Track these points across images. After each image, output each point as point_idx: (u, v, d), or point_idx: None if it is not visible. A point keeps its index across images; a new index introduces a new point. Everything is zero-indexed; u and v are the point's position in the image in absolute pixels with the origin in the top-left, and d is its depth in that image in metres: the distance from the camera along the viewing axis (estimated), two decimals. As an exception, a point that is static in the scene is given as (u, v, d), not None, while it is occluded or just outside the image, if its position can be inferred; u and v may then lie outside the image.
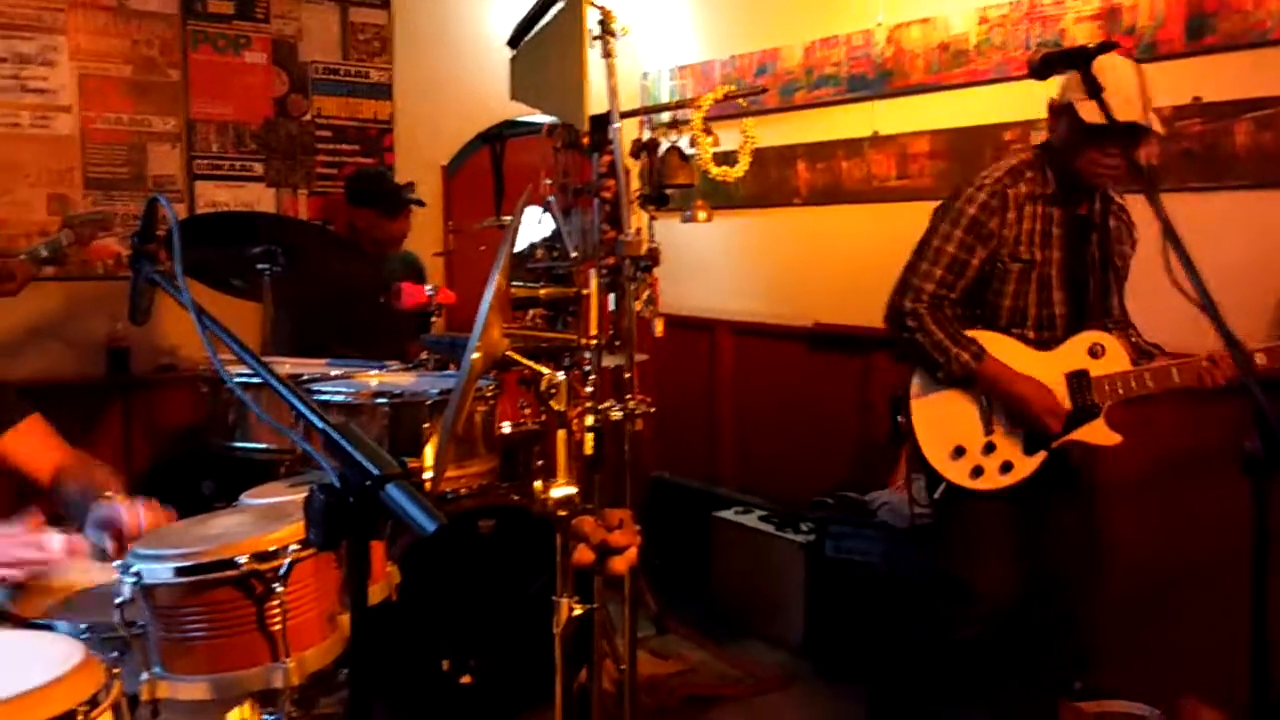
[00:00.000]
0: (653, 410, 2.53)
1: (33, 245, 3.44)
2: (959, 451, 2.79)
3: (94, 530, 1.94)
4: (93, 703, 1.40)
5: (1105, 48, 2.15)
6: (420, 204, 4.15)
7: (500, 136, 4.68)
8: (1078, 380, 2.77)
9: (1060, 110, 2.71)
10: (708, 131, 2.72)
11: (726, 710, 3.49)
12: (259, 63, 4.45)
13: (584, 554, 2.16)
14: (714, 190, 3.60)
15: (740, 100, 2.88)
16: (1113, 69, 2.45)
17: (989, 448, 2.79)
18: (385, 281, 3.53)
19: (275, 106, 4.50)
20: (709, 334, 5.04)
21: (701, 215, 2.95)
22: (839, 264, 4.42)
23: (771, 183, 4.68)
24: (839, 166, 4.41)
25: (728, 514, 4.36)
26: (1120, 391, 2.74)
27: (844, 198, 4.35)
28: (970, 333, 2.78)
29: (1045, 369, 2.77)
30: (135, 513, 1.91)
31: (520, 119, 4.73)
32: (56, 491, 2.13)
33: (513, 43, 2.70)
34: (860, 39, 4.26)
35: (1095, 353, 2.78)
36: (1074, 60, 2.20)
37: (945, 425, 2.80)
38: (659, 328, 2.86)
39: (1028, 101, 3.52)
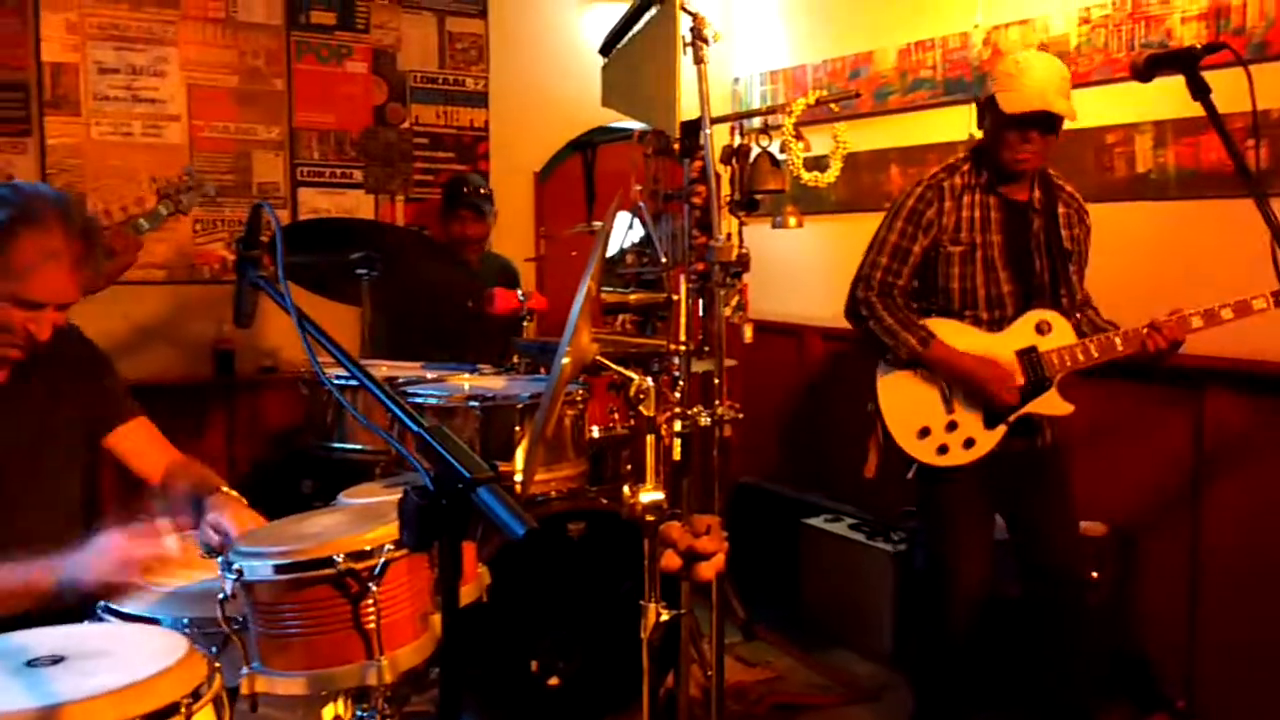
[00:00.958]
0: (741, 416, 2.53)
1: (130, 218, 3.34)
2: (924, 432, 2.95)
3: (207, 528, 2.01)
4: (195, 695, 1.45)
5: (1212, 49, 2.09)
6: (473, 208, 4.06)
7: (591, 143, 4.71)
8: (1028, 356, 2.93)
9: (985, 104, 2.90)
10: (799, 137, 2.71)
11: (814, 719, 3.46)
12: (359, 72, 4.56)
13: (671, 560, 2.16)
14: (805, 195, 3.58)
15: (833, 105, 2.86)
16: (1028, 63, 2.81)
17: (951, 425, 2.95)
18: (479, 287, 3.59)
19: (375, 115, 4.61)
20: (798, 340, 5.00)
21: (792, 221, 2.94)
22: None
23: (864, 188, 4.62)
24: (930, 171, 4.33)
25: (816, 521, 4.32)
26: (1068, 363, 2.91)
27: (938, 202, 4.28)
28: (925, 321, 2.95)
29: (997, 348, 2.94)
30: (240, 517, 1.99)
31: (611, 125, 4.76)
32: (165, 489, 2.22)
33: (604, 50, 2.72)
34: (957, 41, 4.19)
35: (1042, 329, 2.94)
36: (1180, 61, 2.15)
37: (910, 408, 2.97)
38: (748, 334, 2.86)
39: (1131, 104, 3.43)
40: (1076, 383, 2.99)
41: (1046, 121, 2.81)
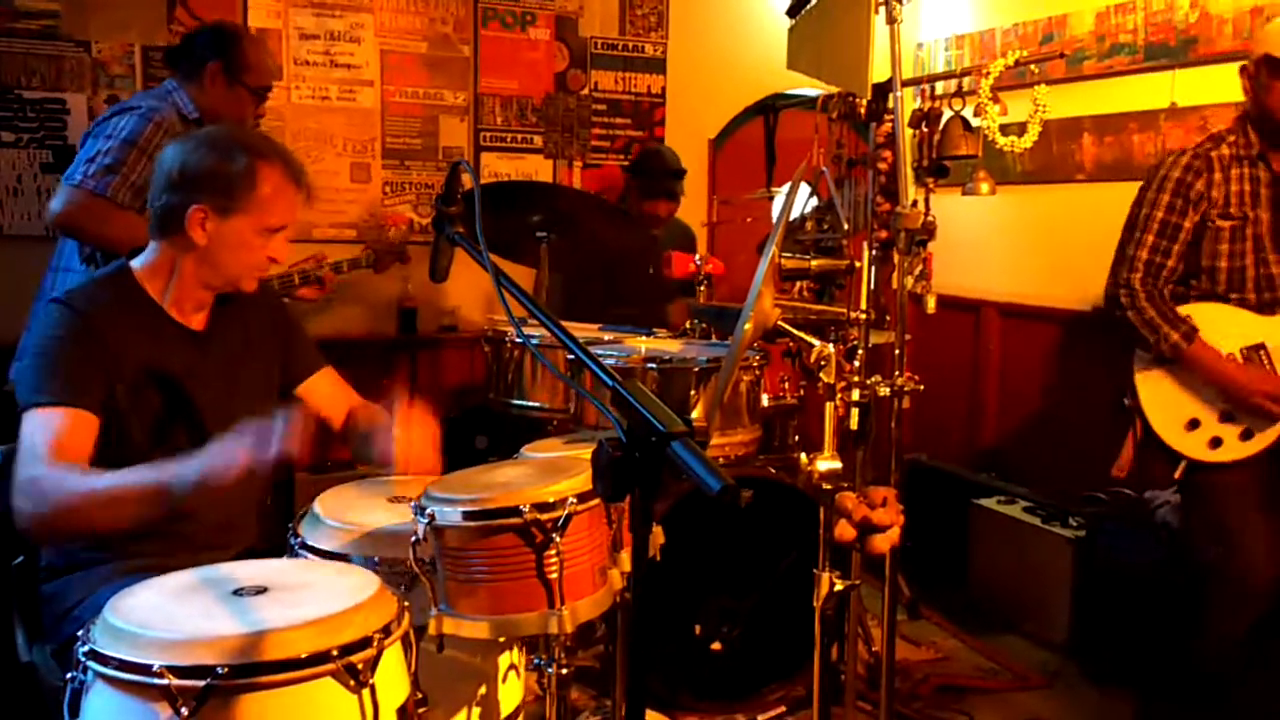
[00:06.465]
0: (922, 388, 2.47)
1: (335, 260, 3.57)
2: (1194, 424, 2.72)
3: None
4: (386, 631, 1.51)
5: None
6: (670, 197, 4.10)
7: (773, 108, 4.66)
8: None
9: (1265, 61, 2.64)
10: (995, 100, 2.61)
11: (982, 703, 3.37)
12: (542, 39, 4.63)
13: (845, 530, 2.14)
14: (989, 166, 3.45)
15: (1032, 67, 2.74)
16: None
17: (1227, 415, 2.72)
18: (656, 250, 3.60)
19: (555, 81, 4.67)
20: (974, 314, 4.86)
21: (984, 187, 2.84)
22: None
23: (1053, 157, 4.43)
24: (1129, 140, 4.12)
25: (988, 502, 4.20)
26: None
27: (1135, 174, 4.04)
28: (1186, 308, 2.73)
29: (1271, 332, 2.72)
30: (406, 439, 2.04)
31: (789, 92, 4.69)
32: (346, 432, 2.33)
33: (792, 12, 2.67)
34: (1160, 4, 3.96)
35: None
36: None
37: (1175, 399, 2.75)
38: (930, 304, 2.77)
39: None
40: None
41: None
